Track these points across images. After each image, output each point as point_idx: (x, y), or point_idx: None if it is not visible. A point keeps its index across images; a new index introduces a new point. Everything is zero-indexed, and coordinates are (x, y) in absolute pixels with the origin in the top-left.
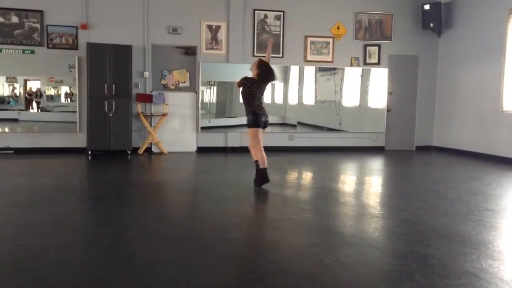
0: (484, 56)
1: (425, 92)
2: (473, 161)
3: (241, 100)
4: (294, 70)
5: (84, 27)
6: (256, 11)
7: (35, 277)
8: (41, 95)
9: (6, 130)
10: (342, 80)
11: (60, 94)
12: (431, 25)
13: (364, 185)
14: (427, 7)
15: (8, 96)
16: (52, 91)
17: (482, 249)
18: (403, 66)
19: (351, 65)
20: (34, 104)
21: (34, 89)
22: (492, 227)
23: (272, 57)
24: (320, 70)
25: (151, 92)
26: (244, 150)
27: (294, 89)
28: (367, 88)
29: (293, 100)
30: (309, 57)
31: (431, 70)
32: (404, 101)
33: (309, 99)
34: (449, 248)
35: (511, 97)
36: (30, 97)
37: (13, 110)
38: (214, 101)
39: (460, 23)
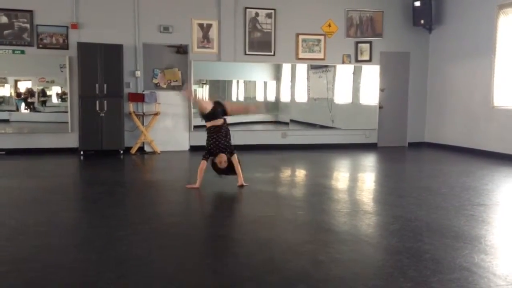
0: (474, 52)
1: (416, 89)
2: (464, 156)
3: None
4: (286, 68)
5: (75, 26)
6: (247, 9)
7: (29, 278)
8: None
9: None
10: (334, 77)
11: (51, 94)
12: (422, 21)
13: (357, 182)
14: (417, 3)
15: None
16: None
17: (474, 243)
18: (395, 63)
19: (343, 62)
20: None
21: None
22: (484, 221)
23: (264, 55)
24: (312, 67)
25: (143, 91)
26: (237, 148)
27: (286, 87)
28: (359, 85)
29: (285, 97)
30: (301, 55)
31: (422, 67)
32: (396, 98)
33: (301, 97)
34: (442, 243)
35: (501, 93)
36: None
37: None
38: (207, 99)
39: (450, 20)
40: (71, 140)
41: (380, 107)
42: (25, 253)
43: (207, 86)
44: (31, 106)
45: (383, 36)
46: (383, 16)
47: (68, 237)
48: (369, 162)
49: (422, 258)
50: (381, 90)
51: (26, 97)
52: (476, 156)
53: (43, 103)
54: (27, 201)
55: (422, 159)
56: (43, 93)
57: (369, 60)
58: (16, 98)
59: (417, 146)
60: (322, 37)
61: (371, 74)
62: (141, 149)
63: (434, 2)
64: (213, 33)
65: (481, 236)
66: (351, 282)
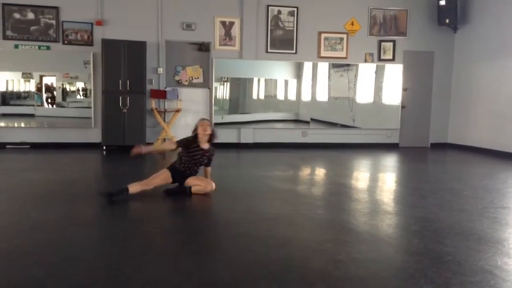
0: (500, 53)
1: (440, 89)
2: (488, 158)
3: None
4: (307, 66)
5: (99, 23)
6: (270, 7)
7: (51, 270)
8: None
9: (23, 125)
10: (356, 76)
11: (75, 90)
12: (447, 21)
13: (378, 182)
14: (442, 2)
15: (25, 92)
16: (67, 87)
17: (497, 246)
18: (419, 62)
19: (365, 61)
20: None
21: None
22: (507, 224)
23: (286, 53)
24: (334, 66)
25: (165, 88)
26: (257, 146)
27: (307, 85)
28: (381, 85)
29: (306, 96)
30: (322, 53)
31: (446, 67)
32: (419, 98)
33: (322, 96)
34: (464, 246)
35: None
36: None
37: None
38: (227, 97)
39: (476, 19)
40: (94, 135)
41: (403, 107)
42: (47, 246)
43: (228, 84)
44: (50, 101)
45: (407, 35)
46: (408, 14)
47: (90, 230)
48: (390, 162)
49: (444, 260)
50: (404, 89)
51: (46, 90)
52: (500, 158)
53: (64, 98)
54: (49, 195)
55: (445, 160)
56: (64, 88)
57: (392, 59)
58: (37, 93)
59: (439, 147)
60: (344, 36)
61: (394, 73)
62: None
63: (460, 1)
64: (235, 30)
65: (504, 239)
66: (370, 282)
